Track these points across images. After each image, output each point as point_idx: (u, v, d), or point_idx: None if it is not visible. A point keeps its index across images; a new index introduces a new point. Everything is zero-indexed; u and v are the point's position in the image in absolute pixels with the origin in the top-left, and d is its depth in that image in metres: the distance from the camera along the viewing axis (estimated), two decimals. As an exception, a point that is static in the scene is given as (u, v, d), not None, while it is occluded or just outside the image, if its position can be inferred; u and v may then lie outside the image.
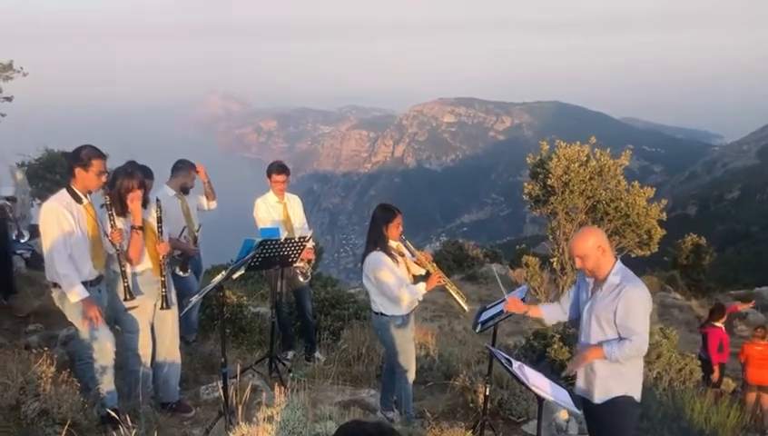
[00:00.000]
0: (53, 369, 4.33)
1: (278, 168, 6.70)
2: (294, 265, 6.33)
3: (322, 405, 4.29)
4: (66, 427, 3.78)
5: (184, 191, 6.55)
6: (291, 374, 6.12)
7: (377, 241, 5.09)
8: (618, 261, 4.04)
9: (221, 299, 5.01)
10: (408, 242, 5.22)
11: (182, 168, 6.60)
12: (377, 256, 5.05)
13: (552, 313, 4.54)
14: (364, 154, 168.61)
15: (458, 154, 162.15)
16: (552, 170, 11.04)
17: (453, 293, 5.22)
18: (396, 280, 5.01)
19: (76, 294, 4.46)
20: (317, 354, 7.04)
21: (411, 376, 5.32)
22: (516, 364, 3.94)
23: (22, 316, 6.32)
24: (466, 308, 5.24)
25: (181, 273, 5.90)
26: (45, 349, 4.69)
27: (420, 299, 5.21)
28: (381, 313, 5.15)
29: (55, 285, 4.60)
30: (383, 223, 5.07)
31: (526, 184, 12.11)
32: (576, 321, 4.39)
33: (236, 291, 8.52)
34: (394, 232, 5.09)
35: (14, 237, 6.52)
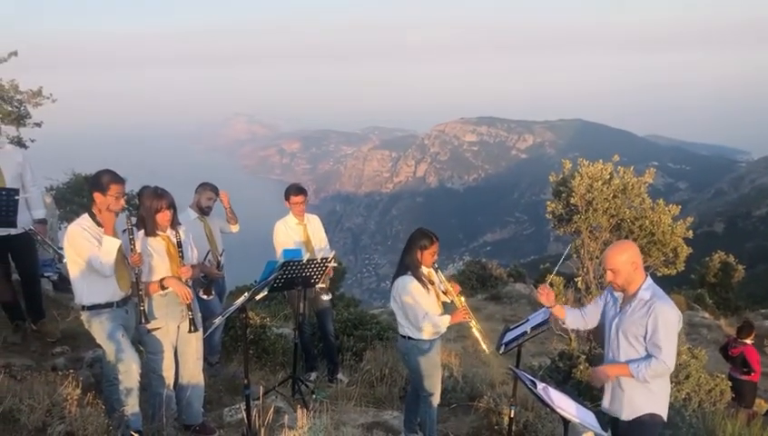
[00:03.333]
0: (78, 391, 4.38)
1: (295, 190, 6.75)
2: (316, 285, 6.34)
3: (345, 427, 4.27)
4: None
5: (202, 211, 6.60)
6: (314, 396, 6.10)
7: (409, 265, 5.04)
8: (648, 277, 4.00)
9: (244, 320, 5.04)
10: (439, 272, 5.15)
11: (198, 188, 6.67)
12: (407, 280, 5.00)
13: (573, 319, 4.51)
14: (386, 174, 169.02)
15: (481, 173, 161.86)
16: (575, 188, 10.95)
17: (476, 333, 5.15)
18: (422, 307, 4.96)
19: (110, 245, 4.54)
20: (339, 376, 7.01)
21: (436, 400, 5.26)
22: (540, 386, 3.89)
23: (52, 341, 6.39)
24: (487, 350, 5.14)
25: (205, 297, 5.93)
26: (72, 371, 4.75)
27: (443, 331, 5.13)
28: (409, 337, 5.08)
29: (83, 308, 4.68)
30: (419, 248, 5.02)
31: (548, 203, 12.04)
32: (595, 331, 4.35)
33: (259, 312, 8.56)
34: (428, 258, 5.05)
35: (54, 259, 6.65)
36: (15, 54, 12.86)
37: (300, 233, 6.71)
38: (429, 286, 5.07)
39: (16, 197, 5.26)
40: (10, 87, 12.97)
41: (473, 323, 5.08)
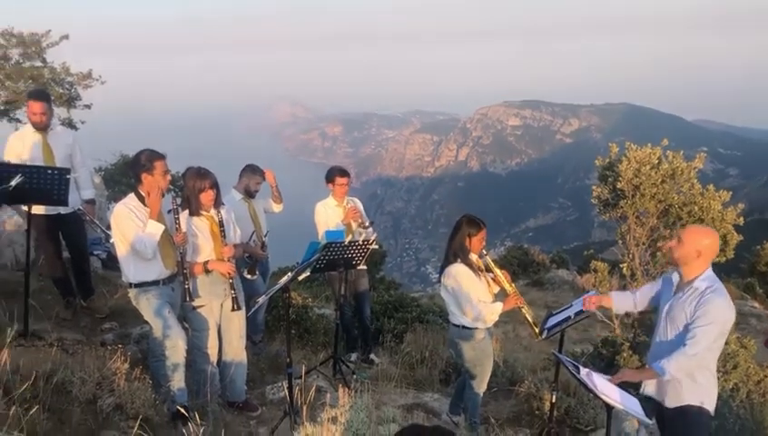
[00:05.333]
0: (126, 365, 4.50)
1: (339, 172, 6.78)
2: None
3: (386, 407, 4.29)
4: (139, 422, 3.91)
5: (249, 194, 6.67)
6: (355, 376, 6.15)
7: (458, 252, 5.00)
8: (710, 269, 3.88)
9: (287, 300, 5.10)
10: (488, 258, 5.10)
11: (246, 171, 6.73)
12: (457, 268, 4.96)
13: (622, 302, 4.43)
14: (427, 158, 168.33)
15: (524, 158, 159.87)
16: (622, 173, 10.70)
17: (528, 318, 5.10)
18: (475, 294, 4.92)
19: (154, 229, 4.64)
20: (372, 356, 7.07)
21: (483, 388, 5.25)
22: (584, 371, 3.84)
23: (101, 317, 6.57)
24: (540, 336, 5.08)
25: (248, 276, 6.01)
26: (120, 346, 4.88)
27: (496, 318, 5.09)
28: (462, 326, 5.05)
29: (131, 285, 4.80)
30: (467, 235, 4.98)
31: (594, 188, 11.80)
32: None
33: (301, 292, 8.65)
34: (477, 245, 5.01)
35: (102, 238, 6.81)
36: (67, 37, 13.17)
37: (339, 215, 6.73)
38: (480, 273, 5.03)
39: (67, 177, 5.38)
40: (62, 70, 13.31)
41: (525, 309, 5.03)
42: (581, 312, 4.57)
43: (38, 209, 5.55)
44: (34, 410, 3.56)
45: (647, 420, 3.90)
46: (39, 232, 6.05)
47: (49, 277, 6.55)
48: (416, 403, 5.71)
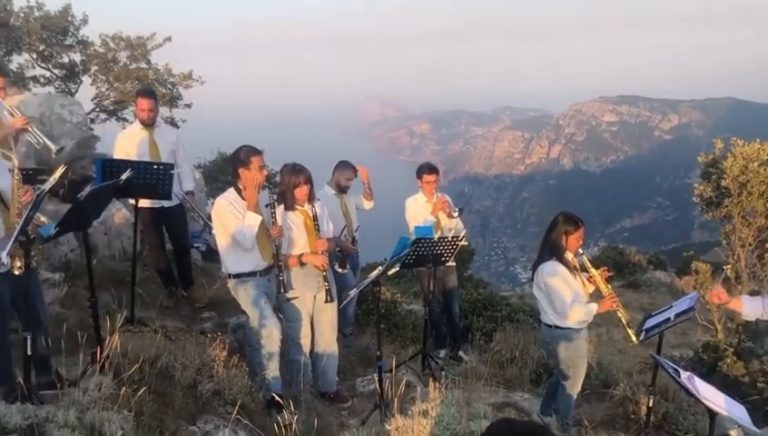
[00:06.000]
0: (225, 353, 4.69)
1: (428, 169, 6.80)
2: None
3: (476, 404, 4.27)
4: (241, 408, 4.07)
5: (340, 189, 6.78)
6: (444, 372, 6.15)
7: (553, 250, 4.90)
8: None
9: (376, 294, 5.17)
10: (584, 258, 4.98)
11: (338, 167, 6.85)
12: (552, 265, 4.86)
13: (752, 308, 4.19)
14: (517, 156, 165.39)
15: (620, 155, 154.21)
16: (727, 170, 10.14)
17: (623, 320, 4.93)
18: (569, 293, 4.80)
19: (252, 220, 4.80)
20: (460, 354, 7.02)
21: (576, 389, 5.13)
22: (684, 375, 3.67)
23: (200, 306, 6.87)
24: (635, 339, 4.90)
25: (339, 270, 6.11)
26: (219, 334, 5.10)
27: (590, 319, 4.95)
28: (555, 326, 4.94)
29: (230, 276, 5.00)
30: (563, 233, 4.88)
31: (696, 186, 11.25)
32: None
33: (390, 288, 8.72)
34: (574, 244, 4.90)
35: (204, 230, 7.12)
36: (170, 39, 13.82)
37: (429, 211, 6.73)
38: (575, 272, 4.92)
39: (171, 172, 5.66)
40: (164, 71, 13.98)
41: (620, 312, 4.87)
42: (682, 312, 4.38)
43: (144, 203, 5.86)
44: (141, 391, 3.77)
45: (755, 429, 3.69)
46: (144, 225, 6.40)
47: (153, 267, 6.93)
48: (506, 402, 5.65)
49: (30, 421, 3.17)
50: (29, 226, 3.81)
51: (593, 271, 4.96)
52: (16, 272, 3.95)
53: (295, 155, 5.73)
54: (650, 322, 4.65)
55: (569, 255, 4.94)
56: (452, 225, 6.74)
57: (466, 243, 6.89)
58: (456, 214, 6.71)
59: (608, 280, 5.07)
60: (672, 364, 3.93)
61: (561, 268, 4.85)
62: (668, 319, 4.46)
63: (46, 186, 3.81)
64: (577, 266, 5.00)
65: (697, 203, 11.50)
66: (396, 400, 4.10)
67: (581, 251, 4.97)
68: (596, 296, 5.05)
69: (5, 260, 3.53)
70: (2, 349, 4.18)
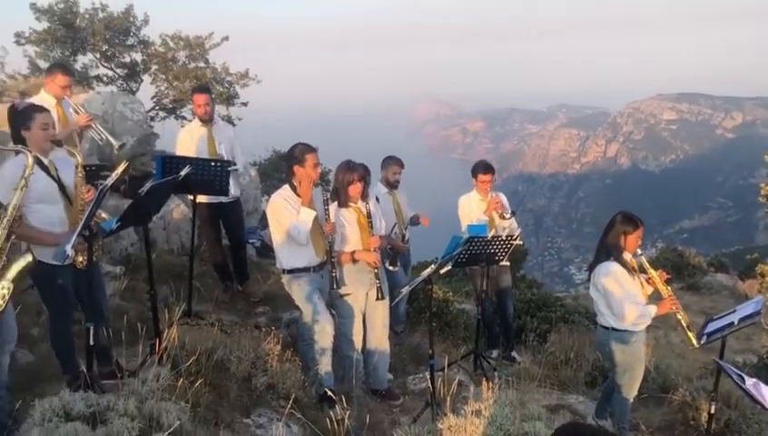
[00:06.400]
0: (279, 347, 4.74)
1: (483, 167, 6.73)
2: None
3: (530, 405, 4.21)
4: (294, 402, 4.12)
5: (390, 185, 6.78)
6: (496, 372, 6.08)
7: (612, 250, 4.79)
8: None
9: (428, 292, 5.15)
10: (642, 258, 4.85)
11: (385, 163, 6.86)
12: (610, 266, 4.75)
13: None
14: (573, 154, 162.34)
15: (679, 154, 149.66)
16: (795, 169, 9.75)
17: (683, 323, 4.79)
18: (626, 294, 4.69)
19: (306, 215, 4.87)
20: (513, 354, 6.94)
21: (633, 393, 5.00)
22: (750, 381, 3.54)
23: (255, 301, 6.98)
24: (696, 343, 4.73)
25: (390, 268, 6.12)
26: (273, 329, 5.17)
27: (649, 321, 4.83)
28: (612, 328, 4.82)
29: (284, 271, 5.06)
30: (622, 233, 4.77)
31: (762, 186, 10.86)
32: None
33: (441, 286, 8.68)
34: (632, 244, 4.77)
35: (258, 226, 7.23)
36: (227, 38, 14.09)
37: (483, 210, 6.67)
38: (633, 273, 4.79)
39: (228, 169, 5.77)
40: (222, 69, 14.25)
41: (680, 315, 4.73)
42: (747, 317, 4.22)
43: (202, 198, 5.99)
44: (198, 383, 3.85)
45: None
46: (202, 220, 6.54)
47: (210, 262, 7.07)
48: (560, 405, 5.55)
49: (92, 409, 3.27)
50: (92, 221, 3.94)
51: (652, 272, 4.83)
52: (79, 266, 4.10)
53: (345, 154, 5.74)
54: (712, 326, 4.50)
55: (627, 256, 4.82)
56: (506, 224, 6.66)
57: (520, 243, 6.81)
58: (508, 216, 6.63)
59: (667, 282, 4.92)
60: (736, 370, 3.79)
61: (619, 268, 4.74)
62: (732, 323, 4.30)
63: (109, 181, 3.93)
64: (636, 267, 4.88)
65: (764, 204, 11.08)
66: (448, 398, 4.08)
67: (639, 251, 4.85)
68: (655, 298, 4.92)
69: (70, 252, 3.65)
70: (66, 339, 4.36)
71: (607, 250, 4.82)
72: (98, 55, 13.53)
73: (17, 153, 3.85)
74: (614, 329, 4.80)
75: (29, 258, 3.60)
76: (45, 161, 4.08)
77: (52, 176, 4.09)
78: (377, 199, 5.59)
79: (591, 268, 4.98)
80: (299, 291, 5.00)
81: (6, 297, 3.49)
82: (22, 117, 4.13)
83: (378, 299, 5.21)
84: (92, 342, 3.98)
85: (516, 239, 6.21)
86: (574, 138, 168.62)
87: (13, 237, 3.59)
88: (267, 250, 8.91)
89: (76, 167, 4.23)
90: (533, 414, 3.64)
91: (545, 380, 6.13)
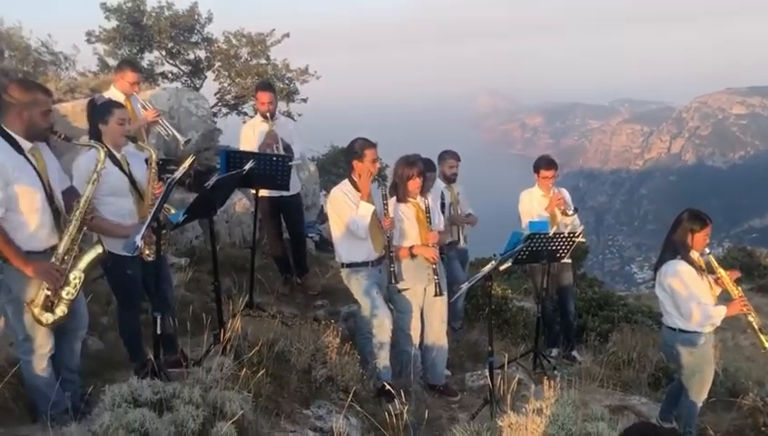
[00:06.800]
0: (337, 340, 4.78)
1: (546, 163, 6.62)
2: None
3: (593, 405, 4.13)
4: (350, 395, 4.15)
5: (448, 179, 6.74)
6: (556, 372, 5.98)
7: (679, 248, 4.64)
8: None
9: (488, 289, 5.10)
10: (710, 257, 4.69)
11: (441, 158, 6.83)
12: (677, 265, 4.61)
13: None
14: (636, 150, 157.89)
15: (749, 150, 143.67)
16: None
17: (755, 325, 4.61)
18: (693, 294, 4.54)
19: (365, 210, 4.90)
20: (574, 353, 6.81)
21: (702, 396, 4.85)
22: (829, 388, 3.37)
23: (314, 294, 7.06)
24: None
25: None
26: (332, 321, 5.22)
27: (718, 323, 4.66)
28: (679, 329, 4.68)
29: (343, 265, 5.11)
30: (689, 231, 4.62)
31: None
32: None
33: (500, 284, 8.59)
34: (700, 242, 4.62)
35: (317, 220, 7.30)
36: (288, 35, 14.29)
37: (544, 206, 6.56)
38: (701, 273, 4.64)
39: (290, 163, 5.84)
40: (282, 66, 14.47)
41: (752, 316, 4.55)
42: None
43: (263, 192, 6.09)
44: (260, 374, 3.92)
45: None
46: (263, 214, 6.65)
47: (271, 255, 7.19)
48: (622, 406, 5.42)
49: (159, 396, 3.37)
50: (160, 214, 4.07)
51: (721, 271, 4.66)
52: (148, 259, 4.24)
53: (403, 148, 5.73)
54: (787, 329, 4.31)
55: (695, 254, 4.66)
56: (568, 221, 6.54)
57: (582, 240, 6.67)
58: (571, 213, 6.51)
59: (737, 282, 4.74)
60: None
61: (686, 267, 4.59)
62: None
63: (177, 175, 4.04)
64: (703, 266, 4.71)
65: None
66: (509, 396, 4.04)
67: (707, 250, 4.68)
68: (723, 299, 4.74)
69: (140, 244, 3.77)
70: (134, 328, 4.51)
71: (674, 248, 4.68)
72: (164, 53, 13.94)
73: (90, 147, 3.99)
74: (681, 330, 4.66)
75: (100, 249, 3.74)
76: (118, 155, 4.23)
77: (123, 171, 4.23)
78: (442, 194, 5.57)
79: (656, 267, 4.85)
80: (357, 285, 5.04)
81: (78, 286, 3.64)
82: (101, 112, 4.29)
83: (436, 294, 5.19)
84: (159, 331, 4.10)
85: (578, 236, 6.09)
86: (637, 134, 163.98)
87: (85, 228, 3.73)
88: (325, 244, 9.01)
89: (149, 162, 4.37)
90: (596, 415, 3.56)
91: (606, 380, 6.00)
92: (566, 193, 6.68)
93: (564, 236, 5.97)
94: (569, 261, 6.66)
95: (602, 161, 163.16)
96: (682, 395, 4.91)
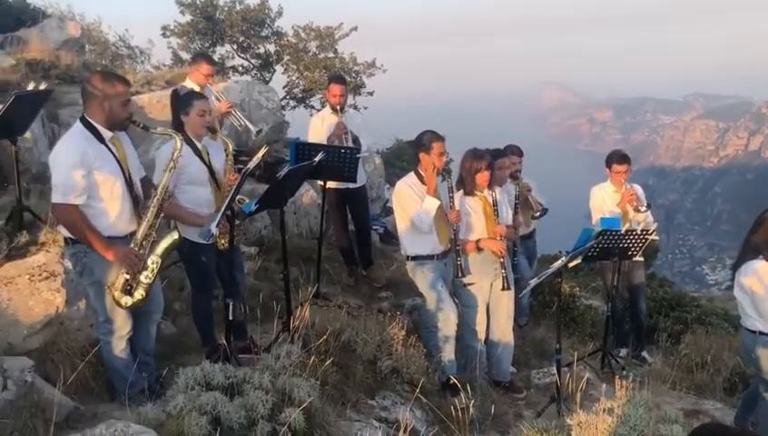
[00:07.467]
0: (403, 332, 4.79)
1: (619, 157, 6.46)
2: None
3: (667, 407, 4.01)
4: (417, 387, 4.16)
5: (512, 175, 6.64)
6: (624, 372, 5.83)
7: (761, 248, 4.46)
8: None
9: (556, 286, 5.01)
10: None
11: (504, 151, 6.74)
12: (754, 264, 4.43)
13: None
14: (710, 147, 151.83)
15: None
16: None
17: None
18: None
19: (430, 204, 4.88)
20: (644, 354, 6.63)
21: None
22: None
23: (378, 286, 7.10)
24: None
25: None
26: (398, 313, 5.24)
27: None
28: (760, 332, 4.47)
29: (408, 258, 5.12)
30: None
31: None
32: None
33: (568, 281, 8.43)
34: None
35: (381, 213, 7.33)
36: (356, 29, 14.36)
37: (615, 203, 6.40)
38: None
39: (357, 156, 5.89)
40: (350, 59, 14.56)
41: None
42: None
43: (331, 184, 6.15)
44: (327, 362, 3.98)
45: None
46: (330, 206, 6.72)
47: (337, 246, 7.26)
48: (695, 410, 5.25)
49: (230, 381, 3.45)
50: (234, 203, 4.17)
51: None
52: (222, 247, 4.36)
53: (468, 142, 5.67)
54: None
55: None
56: (641, 218, 6.35)
57: (655, 238, 6.47)
58: (643, 209, 6.32)
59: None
60: None
61: (765, 266, 4.39)
62: None
63: (250, 165, 4.13)
64: None
65: None
66: (578, 394, 3.97)
67: None
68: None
69: (215, 232, 3.88)
70: (206, 313, 4.64)
71: (755, 248, 4.48)
72: (235, 46, 14.26)
73: (169, 136, 4.12)
74: (761, 333, 4.46)
75: (176, 235, 3.86)
76: (199, 145, 4.35)
77: (204, 161, 4.35)
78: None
79: (735, 267, 4.66)
80: (422, 278, 5.03)
81: (156, 270, 3.77)
82: (183, 102, 4.43)
83: (503, 289, 5.14)
84: (230, 318, 4.21)
85: (652, 234, 5.91)
86: (711, 130, 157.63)
87: (161, 215, 3.86)
88: (390, 236, 9.02)
89: (227, 153, 4.50)
90: (670, 417, 3.45)
91: (678, 383, 5.82)
92: (638, 189, 6.49)
93: (636, 233, 5.81)
94: (641, 259, 6.47)
95: (673, 157, 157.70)
96: (759, 400, 4.71)
